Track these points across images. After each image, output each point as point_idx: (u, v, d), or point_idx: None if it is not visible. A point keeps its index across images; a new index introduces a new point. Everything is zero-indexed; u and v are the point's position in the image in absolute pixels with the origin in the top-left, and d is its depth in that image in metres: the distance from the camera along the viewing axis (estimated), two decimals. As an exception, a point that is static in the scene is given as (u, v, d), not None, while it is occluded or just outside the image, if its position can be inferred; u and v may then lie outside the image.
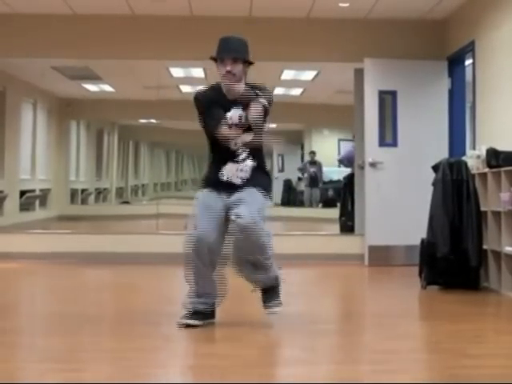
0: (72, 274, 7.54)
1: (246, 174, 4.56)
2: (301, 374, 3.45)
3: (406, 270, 7.42)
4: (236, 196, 4.48)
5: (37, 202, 12.86)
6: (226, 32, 8.37)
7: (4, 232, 9.06)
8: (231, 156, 4.57)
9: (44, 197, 13.29)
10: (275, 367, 3.52)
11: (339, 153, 17.53)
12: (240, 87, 4.60)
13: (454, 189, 6.21)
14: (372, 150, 8.27)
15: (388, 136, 8.39)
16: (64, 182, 14.31)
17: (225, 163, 4.59)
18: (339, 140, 17.49)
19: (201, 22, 8.46)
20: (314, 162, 16.38)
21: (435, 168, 6.45)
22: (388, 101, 8.38)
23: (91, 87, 12.90)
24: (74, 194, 15.37)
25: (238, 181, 4.55)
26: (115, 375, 3.38)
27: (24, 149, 11.85)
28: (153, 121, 16.66)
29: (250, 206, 4.38)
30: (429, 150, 7.97)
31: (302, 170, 16.74)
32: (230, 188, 4.54)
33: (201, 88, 4.83)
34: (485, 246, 6.23)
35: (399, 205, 8.09)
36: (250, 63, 4.66)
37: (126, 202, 18.59)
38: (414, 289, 6.31)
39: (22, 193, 11.70)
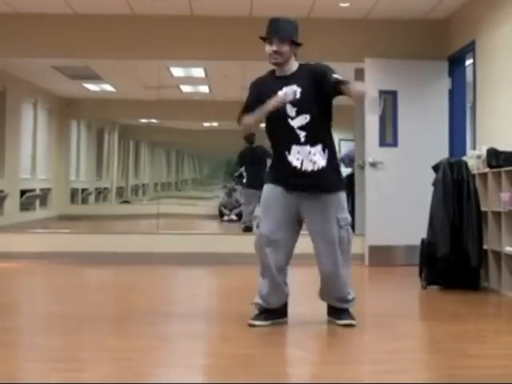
0: (72, 274, 7.54)
1: (320, 160, 4.46)
2: (301, 373, 3.45)
3: (406, 269, 7.42)
4: (317, 217, 4.47)
5: (37, 202, 12.86)
6: (226, 32, 8.47)
7: (4, 231, 9.06)
8: (293, 139, 4.46)
9: (44, 196, 13.29)
10: (275, 367, 3.52)
11: (340, 152, 17.53)
12: (291, 65, 4.56)
13: (455, 189, 6.21)
14: (372, 149, 8.27)
15: (388, 136, 8.39)
16: (64, 182, 14.31)
17: (289, 148, 4.46)
18: (340, 140, 17.47)
19: (201, 22, 8.46)
20: None
21: (435, 168, 6.45)
22: (388, 101, 8.37)
23: (92, 87, 12.91)
24: (74, 193, 15.38)
25: (311, 166, 4.43)
26: (115, 375, 3.38)
27: (24, 148, 11.86)
28: (153, 120, 16.64)
29: (333, 246, 4.46)
30: (429, 149, 7.97)
31: None
32: (302, 179, 4.43)
33: (257, 77, 4.81)
34: (485, 246, 6.23)
35: (399, 205, 8.09)
36: (299, 44, 4.59)
37: (127, 202, 18.58)
38: (414, 289, 6.32)
39: (23, 192, 11.70)
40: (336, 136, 16.69)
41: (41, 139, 12.92)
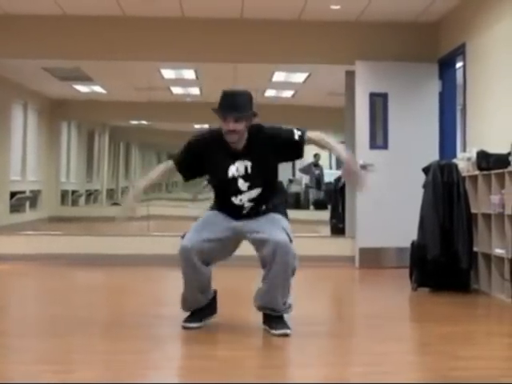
0: (63, 276, 7.52)
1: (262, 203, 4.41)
2: (293, 375, 3.46)
3: (396, 272, 7.43)
4: (255, 222, 4.35)
5: (27, 204, 12.82)
6: (217, 34, 8.47)
7: (-6, 233, 9.02)
8: (236, 208, 4.40)
9: (34, 198, 13.24)
10: (267, 369, 3.52)
11: (330, 154, 17.55)
12: (242, 141, 4.36)
13: (445, 191, 6.23)
14: (363, 152, 8.29)
15: (379, 138, 8.41)
16: (55, 184, 14.27)
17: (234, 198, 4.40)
18: (330, 142, 17.49)
19: (192, 24, 8.46)
20: (317, 165, 16.47)
21: (426, 170, 6.46)
22: (379, 103, 8.40)
23: (82, 88, 12.87)
24: (64, 195, 15.33)
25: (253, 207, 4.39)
26: (106, 377, 3.37)
27: (14, 150, 11.81)
28: (144, 122, 16.63)
29: (277, 226, 4.28)
30: (419, 152, 7.99)
31: (306, 171, 16.77)
32: (240, 211, 4.39)
33: (199, 132, 4.61)
34: (475, 249, 6.24)
35: (390, 207, 8.10)
36: (255, 115, 4.37)
37: (117, 204, 18.53)
38: (404, 291, 6.33)
39: (13, 194, 11.65)
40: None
41: (31, 141, 12.88)
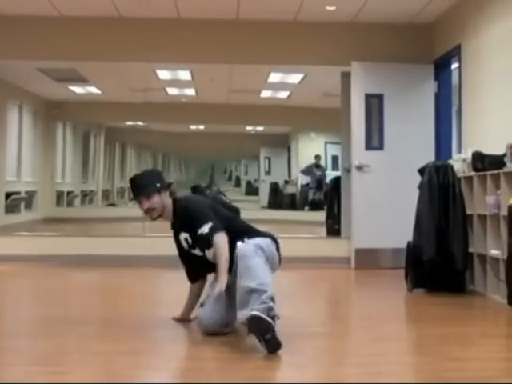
0: (58, 277, 7.51)
1: None
2: (288, 376, 3.45)
3: (392, 272, 7.43)
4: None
5: (22, 204, 12.80)
6: (212, 35, 8.46)
7: (-11, 234, 9.01)
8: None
9: (30, 199, 13.23)
10: (262, 370, 3.51)
11: (326, 155, 17.61)
12: (169, 209, 4.58)
13: (440, 192, 6.23)
14: (358, 153, 8.29)
15: (374, 139, 8.41)
16: (50, 184, 14.26)
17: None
18: (326, 143, 17.54)
19: (188, 25, 8.45)
20: (318, 166, 16.50)
21: (421, 171, 6.47)
22: (375, 104, 8.40)
23: (78, 89, 12.86)
24: (59, 196, 15.32)
25: None
26: (101, 378, 3.37)
27: (10, 151, 11.80)
28: (139, 123, 16.64)
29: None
30: (415, 153, 7.99)
31: (308, 172, 16.80)
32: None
33: None
34: (470, 250, 6.25)
35: (385, 208, 8.10)
36: (166, 186, 4.61)
37: (112, 205, 18.53)
38: (400, 292, 6.33)
39: (8, 195, 11.63)
40: (322, 139, 16.77)
41: (26, 142, 12.87)
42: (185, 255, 4.66)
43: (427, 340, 4.38)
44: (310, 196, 16.51)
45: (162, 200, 4.53)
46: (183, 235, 4.53)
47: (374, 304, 5.89)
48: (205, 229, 4.33)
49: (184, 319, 4.65)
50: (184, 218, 4.50)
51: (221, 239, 4.28)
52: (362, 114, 8.35)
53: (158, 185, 4.53)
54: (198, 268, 4.64)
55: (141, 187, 4.52)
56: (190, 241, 4.51)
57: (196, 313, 4.52)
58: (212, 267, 4.42)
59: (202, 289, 4.71)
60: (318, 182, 16.27)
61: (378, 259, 8.19)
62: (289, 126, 17.21)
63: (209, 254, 4.40)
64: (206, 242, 4.35)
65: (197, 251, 4.51)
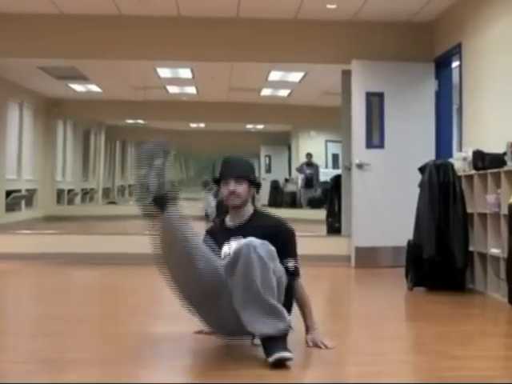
0: (58, 275, 7.51)
1: None
2: (287, 375, 3.45)
3: (392, 271, 7.44)
4: None
5: (23, 203, 12.81)
6: (213, 33, 8.46)
7: (-10, 232, 9.01)
8: None
9: (30, 197, 13.24)
10: (261, 368, 3.51)
11: (326, 153, 17.63)
12: (245, 213, 4.15)
13: (441, 191, 6.23)
14: (359, 151, 8.29)
15: (375, 138, 8.40)
16: (50, 183, 14.27)
17: None
18: (326, 141, 17.56)
19: (188, 23, 8.45)
20: (310, 164, 16.46)
21: (422, 170, 6.47)
22: (375, 102, 8.39)
23: (78, 87, 12.87)
24: (60, 194, 15.34)
25: None
26: (101, 377, 3.36)
27: (10, 149, 11.80)
28: (140, 121, 16.65)
29: None
30: (416, 151, 7.98)
31: (299, 170, 16.81)
32: None
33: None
34: (471, 248, 6.25)
35: (386, 206, 8.10)
36: (258, 185, 4.22)
37: (113, 203, 18.55)
38: (400, 290, 6.33)
39: (8, 193, 11.64)
40: (323, 137, 16.79)
41: (27, 140, 12.87)
42: None
43: (427, 339, 4.38)
44: (302, 195, 16.51)
45: (247, 194, 4.13)
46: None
47: (373, 302, 5.89)
48: (290, 264, 4.02)
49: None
50: (265, 228, 3.99)
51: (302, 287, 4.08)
52: (362, 112, 8.34)
53: (253, 176, 4.19)
54: None
55: (236, 168, 4.14)
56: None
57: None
58: None
59: None
60: (308, 180, 16.26)
61: (379, 258, 8.19)
62: (289, 125, 17.23)
63: None
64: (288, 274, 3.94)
65: None
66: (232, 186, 4.09)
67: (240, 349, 3.92)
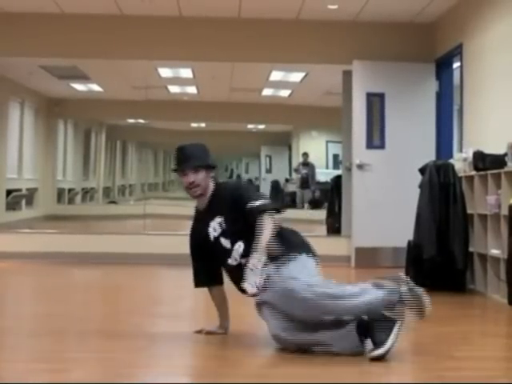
0: (58, 274, 7.52)
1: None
2: (287, 374, 3.45)
3: (392, 271, 7.42)
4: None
5: (23, 202, 12.80)
6: (214, 33, 8.46)
7: (-10, 231, 9.01)
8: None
9: (31, 196, 13.22)
10: (261, 368, 3.52)
11: (327, 154, 17.61)
12: (209, 190, 4.18)
13: (441, 191, 6.23)
14: (360, 151, 8.29)
15: (376, 138, 8.41)
16: (51, 182, 14.25)
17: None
18: (327, 141, 17.52)
19: (189, 23, 8.46)
20: (306, 164, 16.43)
21: (422, 170, 6.47)
22: (376, 103, 8.40)
23: (79, 87, 12.86)
24: (60, 193, 15.32)
25: None
26: (101, 376, 3.36)
27: (11, 148, 11.79)
28: (141, 121, 16.62)
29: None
30: (416, 152, 7.99)
31: (296, 171, 16.79)
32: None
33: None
34: (471, 249, 6.25)
35: (386, 207, 8.11)
36: (213, 167, 4.23)
37: (113, 202, 18.54)
38: (400, 291, 6.32)
39: (9, 192, 11.63)
40: (323, 138, 16.78)
41: (27, 139, 12.86)
42: (201, 250, 4.19)
43: (427, 339, 4.38)
44: (298, 195, 16.49)
45: (207, 180, 4.16)
46: (216, 220, 4.08)
47: (374, 303, 5.88)
48: (257, 202, 3.96)
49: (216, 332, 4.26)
50: (228, 197, 4.09)
51: (271, 221, 3.90)
52: (363, 112, 8.35)
53: (209, 162, 4.20)
54: (211, 268, 4.24)
55: (190, 158, 4.13)
56: (223, 225, 4.07)
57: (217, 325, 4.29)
58: (227, 270, 4.16)
59: (223, 295, 4.34)
60: (303, 179, 16.22)
61: (379, 258, 8.19)
62: (290, 125, 17.19)
63: (239, 246, 4.02)
64: (255, 213, 3.91)
65: (226, 242, 4.06)
66: (191, 177, 4.11)
67: (240, 349, 3.92)
